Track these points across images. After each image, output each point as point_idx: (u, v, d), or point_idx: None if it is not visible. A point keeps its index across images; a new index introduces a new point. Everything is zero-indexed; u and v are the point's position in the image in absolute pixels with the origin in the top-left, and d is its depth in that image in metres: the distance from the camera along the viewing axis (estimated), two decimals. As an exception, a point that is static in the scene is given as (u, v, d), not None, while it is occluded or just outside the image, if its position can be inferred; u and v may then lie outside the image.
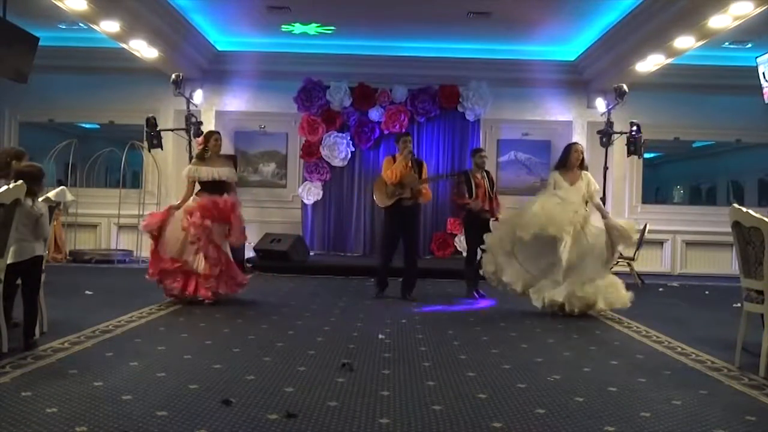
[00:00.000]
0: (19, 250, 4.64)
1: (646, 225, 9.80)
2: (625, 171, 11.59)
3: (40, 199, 4.86)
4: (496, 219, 7.85)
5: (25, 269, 4.70)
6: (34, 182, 4.72)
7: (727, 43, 9.71)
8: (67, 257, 11.01)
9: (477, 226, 7.80)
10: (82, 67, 10.96)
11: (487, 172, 8.18)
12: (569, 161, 6.97)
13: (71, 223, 11.32)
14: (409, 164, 7.60)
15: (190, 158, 10.63)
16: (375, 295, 7.73)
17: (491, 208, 7.96)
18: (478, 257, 7.61)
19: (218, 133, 7.45)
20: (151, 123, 10.20)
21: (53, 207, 5.29)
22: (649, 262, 11.18)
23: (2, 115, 11.74)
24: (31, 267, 4.73)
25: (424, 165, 7.89)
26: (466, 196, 7.87)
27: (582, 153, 7.06)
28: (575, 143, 7.36)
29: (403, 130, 11.36)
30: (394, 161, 7.60)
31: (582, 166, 7.03)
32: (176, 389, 3.76)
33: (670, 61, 9.54)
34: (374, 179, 8.35)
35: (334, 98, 11.38)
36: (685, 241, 11.61)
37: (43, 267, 4.98)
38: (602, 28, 9.72)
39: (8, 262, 4.56)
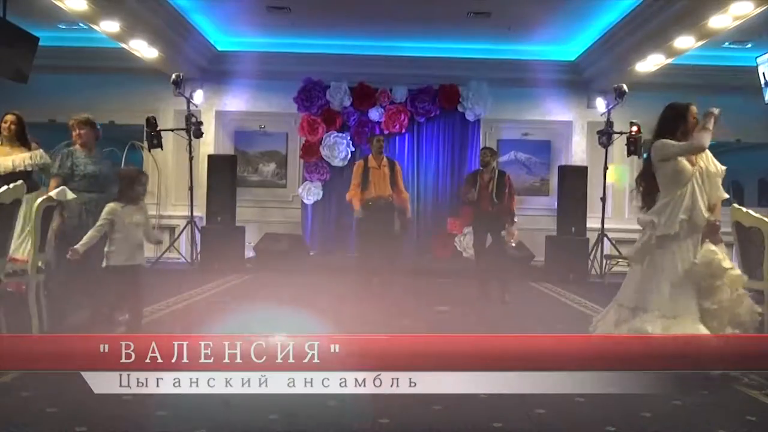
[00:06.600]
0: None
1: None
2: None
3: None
4: (504, 227, 7.42)
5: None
6: (131, 185, 4.80)
7: (727, 43, 9.70)
8: (68, 257, 10.99)
9: (481, 228, 7.50)
10: (82, 67, 10.94)
11: (502, 174, 7.50)
12: (687, 126, 4.40)
13: (71, 223, 11.31)
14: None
15: (191, 158, 10.70)
16: None
17: (498, 212, 7.33)
18: None
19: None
20: (152, 123, 10.20)
21: (53, 207, 5.28)
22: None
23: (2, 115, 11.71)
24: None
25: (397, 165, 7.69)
26: (468, 193, 7.45)
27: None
28: (684, 103, 4.65)
29: (403, 131, 11.43)
30: (364, 166, 7.52)
31: None
32: (176, 389, 3.75)
33: (670, 61, 9.54)
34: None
35: (334, 98, 11.38)
36: (685, 241, 11.58)
37: None
38: (602, 28, 9.72)
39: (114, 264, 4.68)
